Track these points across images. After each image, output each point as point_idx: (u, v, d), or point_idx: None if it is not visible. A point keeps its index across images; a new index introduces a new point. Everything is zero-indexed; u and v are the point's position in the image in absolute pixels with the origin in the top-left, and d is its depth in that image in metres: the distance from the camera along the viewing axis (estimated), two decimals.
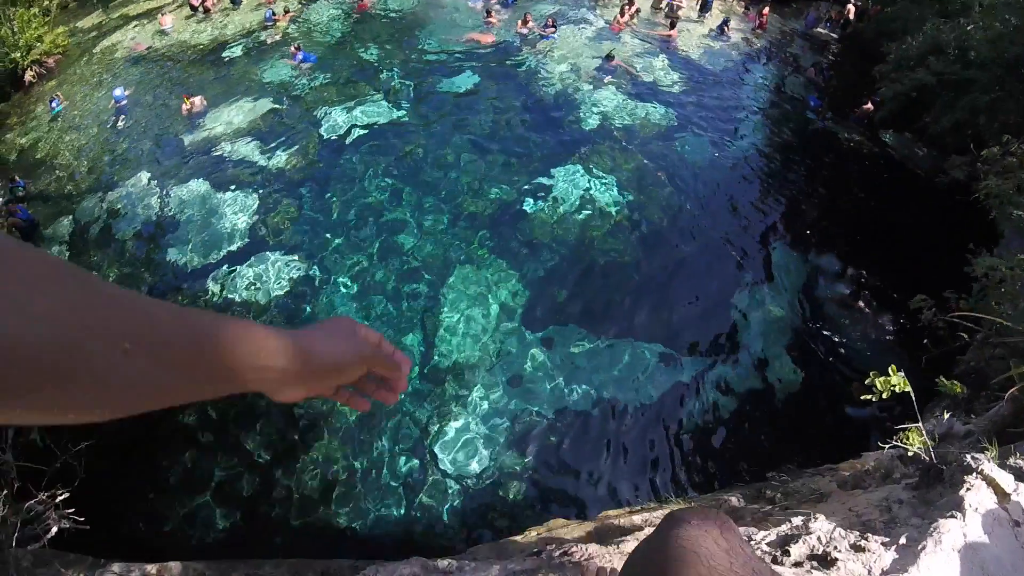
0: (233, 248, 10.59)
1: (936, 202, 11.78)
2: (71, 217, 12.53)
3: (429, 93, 14.37)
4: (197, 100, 14.69)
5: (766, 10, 19.59)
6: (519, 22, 17.33)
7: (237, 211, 11.19)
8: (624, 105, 14.00)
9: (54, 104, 16.90)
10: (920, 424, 3.73)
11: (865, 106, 14.75)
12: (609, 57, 15.41)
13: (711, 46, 17.83)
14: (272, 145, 12.79)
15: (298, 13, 19.31)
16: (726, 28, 18.46)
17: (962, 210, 10.11)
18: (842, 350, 9.15)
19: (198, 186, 11.98)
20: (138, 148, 13.98)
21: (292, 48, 16.09)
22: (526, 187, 11.39)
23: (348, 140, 12.74)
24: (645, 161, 12.24)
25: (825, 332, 9.41)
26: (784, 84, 16.72)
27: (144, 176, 12.82)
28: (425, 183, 11.50)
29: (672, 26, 17.60)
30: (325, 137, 12.89)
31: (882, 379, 3.61)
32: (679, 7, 19.30)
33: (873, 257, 10.79)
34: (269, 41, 17.73)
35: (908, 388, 3.64)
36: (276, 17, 18.67)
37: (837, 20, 20.87)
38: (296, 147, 12.64)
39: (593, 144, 12.62)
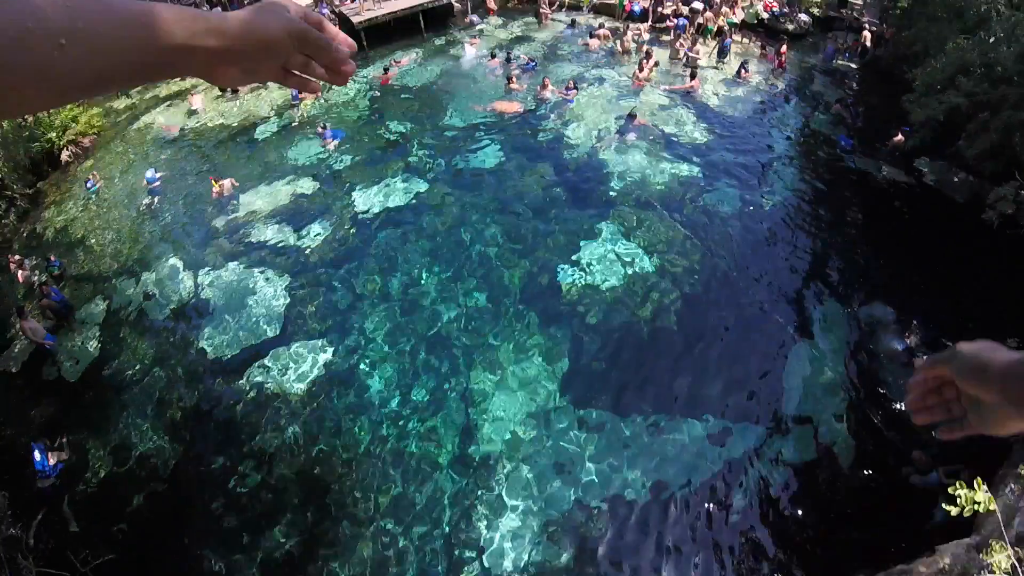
0: (267, 333, 10.64)
1: (986, 240, 11.24)
2: (105, 299, 12.68)
3: (455, 168, 14.59)
4: (227, 183, 14.99)
5: (784, 48, 19.66)
6: (539, 87, 17.54)
7: (269, 295, 11.31)
8: (650, 165, 13.93)
9: (89, 184, 17.48)
10: (1004, 539, 3.58)
11: (896, 138, 14.54)
12: (631, 116, 15.36)
13: (732, 93, 17.86)
14: (303, 226, 13.01)
15: (323, 90, 19.85)
16: (745, 72, 18.50)
17: (1016, 247, 9.89)
18: (898, 410, 8.53)
19: (231, 270, 12.15)
20: (170, 231, 14.25)
21: (319, 128, 16.61)
22: (557, 258, 11.38)
23: (378, 219, 12.91)
24: (675, 223, 12.11)
25: (879, 392, 8.91)
26: (811, 123, 16.63)
27: (176, 260, 13.02)
28: (456, 258, 11.60)
29: (692, 76, 17.55)
30: (355, 216, 13.11)
31: (965, 493, 3.46)
32: (696, 57, 19.28)
33: (924, 304, 10.30)
34: (296, 120, 18.39)
35: (993, 506, 3.49)
36: (301, 96, 19.25)
37: (855, 49, 21.16)
38: (327, 227, 12.85)
39: (621, 209, 12.54)
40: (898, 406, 8.58)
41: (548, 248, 11.61)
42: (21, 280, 13.79)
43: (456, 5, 26.75)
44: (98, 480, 9.03)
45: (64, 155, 20.25)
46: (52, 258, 14.08)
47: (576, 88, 17.30)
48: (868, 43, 20.69)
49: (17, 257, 14.60)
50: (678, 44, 20.15)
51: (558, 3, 26.09)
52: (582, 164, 14.17)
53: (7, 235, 17.22)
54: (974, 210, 11.79)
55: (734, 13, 22.95)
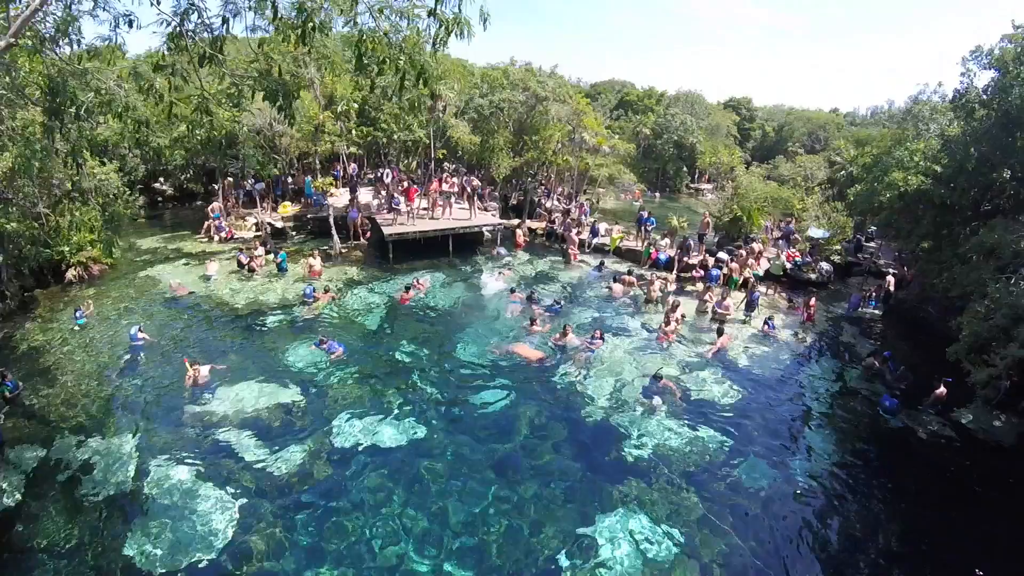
0: (203, 560, 9.09)
1: None
2: (44, 448, 11.59)
3: (459, 409, 13.59)
4: (204, 370, 14.16)
5: (813, 301, 19.95)
6: (558, 334, 17.16)
7: (218, 514, 9.96)
8: (675, 432, 12.88)
9: (78, 314, 17.24)
10: None
11: (937, 391, 14.07)
12: (657, 377, 14.61)
13: (761, 349, 17.60)
14: (276, 444, 11.88)
15: (339, 295, 20.52)
16: (768, 327, 18.48)
17: None
18: None
19: (183, 471, 10.96)
20: (135, 402, 13.32)
21: (320, 340, 16.11)
22: (563, 536, 9.83)
23: (362, 454, 11.69)
24: (701, 500, 10.81)
25: None
26: (844, 379, 16.15)
27: (129, 439, 11.93)
28: (442, 520, 10.06)
29: (720, 333, 17.41)
30: (337, 446, 11.93)
31: None
32: (726, 311, 19.41)
33: None
34: (302, 319, 18.38)
35: None
36: (316, 295, 19.79)
37: (878, 294, 21.73)
38: (303, 451, 11.67)
39: (641, 481, 11.21)
40: None
41: (553, 520, 10.20)
42: None
43: (487, 235, 28.92)
44: None
45: (70, 273, 20.42)
46: (9, 377, 13.32)
47: (603, 338, 17.01)
48: (891, 287, 21.56)
49: None
50: (706, 296, 20.50)
51: (587, 244, 27.96)
52: (599, 425, 13.18)
53: None
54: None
55: (759, 264, 24.00)
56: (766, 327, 18.75)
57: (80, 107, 9.07)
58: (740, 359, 16.90)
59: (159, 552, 9.16)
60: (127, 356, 15.43)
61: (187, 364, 14.17)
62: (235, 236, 27.24)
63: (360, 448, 11.89)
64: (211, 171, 31.53)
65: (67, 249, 20.12)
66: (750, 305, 20.07)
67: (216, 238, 26.88)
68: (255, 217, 29.07)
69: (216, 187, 30.25)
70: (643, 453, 12.16)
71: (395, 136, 29.96)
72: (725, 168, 57.18)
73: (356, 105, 29.46)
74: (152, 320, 17.69)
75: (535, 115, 33.67)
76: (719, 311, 19.70)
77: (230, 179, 30.87)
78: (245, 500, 10.28)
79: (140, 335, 16.00)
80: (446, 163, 34.72)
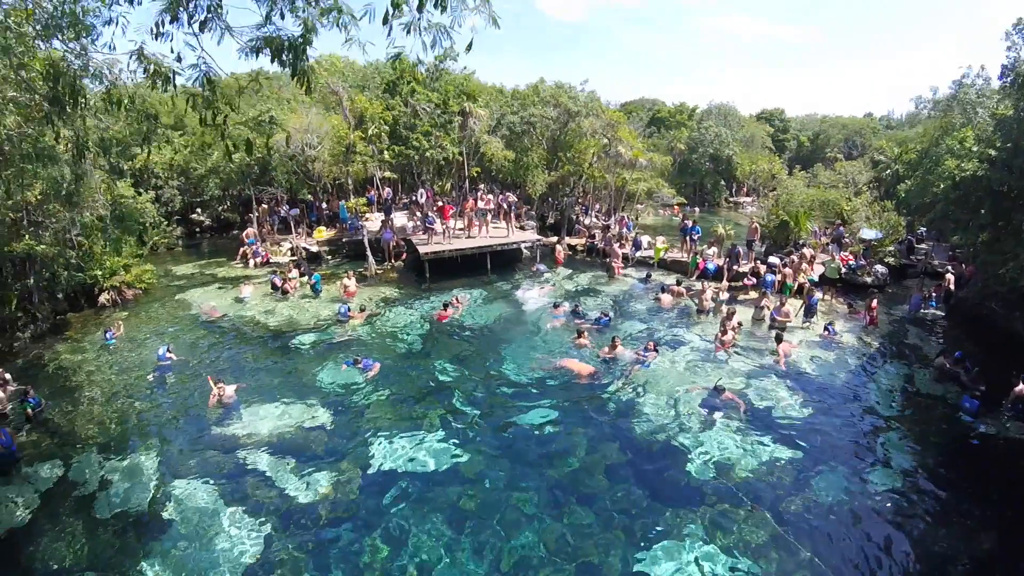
0: None
1: None
2: (62, 466, 10.99)
3: (502, 431, 12.29)
4: (229, 389, 13.43)
5: (875, 303, 18.65)
6: (606, 347, 15.97)
7: (239, 542, 8.98)
8: (740, 447, 11.47)
9: (108, 335, 16.96)
10: None
11: (1016, 388, 12.89)
12: (718, 389, 13.41)
13: (824, 355, 16.21)
14: (305, 467, 10.87)
15: (374, 314, 19.71)
16: (828, 332, 17.31)
17: None
18: None
19: (204, 494, 10.08)
20: (159, 422, 12.67)
21: (354, 359, 15.20)
22: (616, 564, 8.50)
23: (398, 481, 10.45)
24: (771, 520, 9.41)
25: None
26: (915, 382, 14.75)
27: (150, 458, 11.20)
28: (486, 549, 8.83)
29: (779, 341, 16.13)
30: (370, 471, 10.76)
31: None
32: (786, 318, 18.23)
33: None
34: (337, 338, 17.55)
35: None
36: (351, 314, 19.02)
37: (939, 294, 20.34)
38: (332, 477, 10.55)
39: (704, 503, 9.80)
40: None
41: (605, 548, 8.82)
42: None
43: (525, 252, 27.99)
44: None
45: (103, 297, 20.22)
46: (31, 393, 13.05)
47: (656, 350, 15.76)
48: (951, 286, 20.39)
49: (7, 376, 13.89)
50: (762, 303, 19.37)
51: (630, 259, 26.82)
52: (657, 443, 11.72)
53: (15, 349, 16.75)
54: None
55: (812, 270, 22.67)
56: (827, 333, 17.47)
57: (80, 92, 8.48)
58: (803, 367, 15.51)
59: (178, 570, 8.27)
60: (154, 375, 14.85)
61: (211, 383, 13.41)
62: (271, 261, 26.92)
63: (395, 474, 10.68)
64: (247, 201, 31.54)
65: (100, 273, 19.93)
66: (809, 311, 18.79)
67: (252, 263, 26.59)
68: (290, 242, 28.79)
69: (252, 215, 30.18)
70: (706, 472, 10.72)
71: (427, 153, 29.51)
72: (765, 177, 55.59)
73: (387, 127, 29.22)
74: (182, 341, 17.14)
75: (568, 132, 33.12)
76: (778, 319, 18.41)
77: (264, 206, 30.79)
78: (269, 529, 9.24)
79: (168, 355, 15.43)
80: (481, 184, 34.16)
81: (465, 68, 33.65)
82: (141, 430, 12.38)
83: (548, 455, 11.34)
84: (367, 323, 18.87)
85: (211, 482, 10.38)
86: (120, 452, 11.46)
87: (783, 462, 11.08)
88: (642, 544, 8.89)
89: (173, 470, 10.83)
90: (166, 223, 30.47)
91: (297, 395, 13.72)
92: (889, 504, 10.08)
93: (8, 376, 13.79)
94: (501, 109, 33.51)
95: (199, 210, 35.28)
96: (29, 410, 12.64)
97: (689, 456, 11.24)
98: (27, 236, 16.67)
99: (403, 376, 15.02)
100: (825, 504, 9.94)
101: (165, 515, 9.59)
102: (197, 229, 34.95)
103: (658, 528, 9.25)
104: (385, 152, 29.33)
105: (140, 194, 27.40)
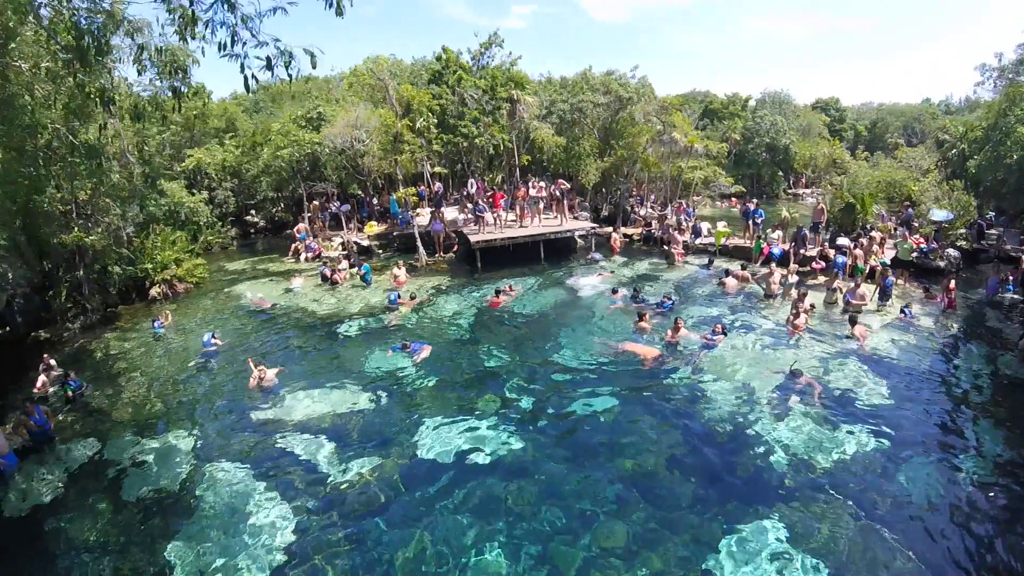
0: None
1: None
2: (96, 448, 10.63)
3: (557, 418, 11.15)
4: (270, 373, 12.86)
5: (952, 285, 17.20)
6: (669, 331, 14.75)
7: (273, 525, 8.15)
8: (821, 436, 10.10)
9: (156, 324, 16.79)
10: None
11: None
12: (794, 374, 12.20)
13: (904, 339, 14.76)
14: (346, 451, 10.00)
15: (425, 301, 18.96)
16: (910, 315, 15.99)
17: None
18: None
19: (238, 476, 9.39)
20: (197, 404, 12.29)
21: (403, 344, 14.43)
22: (687, 563, 7.31)
23: (445, 468, 9.43)
24: (861, 515, 8.03)
25: None
26: (999, 365, 13.22)
27: (185, 439, 10.73)
28: (545, 546, 7.62)
29: (853, 323, 14.89)
30: (416, 457, 9.76)
31: None
32: (861, 301, 16.85)
33: None
34: (387, 324, 16.87)
35: None
36: (401, 301, 18.36)
37: (1016, 278, 18.85)
38: (374, 465, 9.57)
39: (782, 497, 8.53)
40: None
41: (673, 546, 7.55)
42: (38, 385, 12.88)
43: (579, 242, 26.85)
44: None
45: (154, 291, 20.11)
46: (72, 376, 12.87)
47: (724, 332, 14.55)
48: None
49: (52, 361, 13.71)
50: (835, 285, 17.96)
51: (689, 247, 25.45)
52: (727, 432, 10.37)
53: (64, 338, 16.78)
54: None
55: (883, 252, 21.55)
56: (903, 315, 16.01)
57: (106, 40, 8.03)
58: (882, 350, 13.98)
59: (201, 563, 7.49)
60: (198, 361, 14.45)
61: (251, 365, 12.84)
62: (322, 255, 26.62)
63: (441, 463, 9.60)
64: (300, 200, 31.51)
65: (151, 267, 19.84)
66: (884, 294, 17.34)
67: (304, 257, 26.31)
68: (341, 237, 28.49)
69: (304, 213, 30.09)
70: (783, 464, 9.34)
71: (476, 140, 28.80)
72: (825, 164, 52.62)
73: (434, 119, 28.67)
74: (229, 328, 16.81)
75: (620, 120, 31.98)
76: (853, 301, 16.91)
77: (316, 203, 30.65)
78: (303, 515, 8.40)
79: (213, 341, 15.06)
80: (531, 176, 33.28)
81: (511, 53, 32.67)
82: (178, 413, 11.93)
83: (608, 445, 10.07)
84: (417, 310, 18.10)
85: (246, 465, 9.68)
86: (155, 434, 11.03)
87: (868, 451, 9.65)
88: (707, 543, 7.60)
89: (207, 452, 10.23)
90: (220, 224, 30.69)
91: (341, 379, 12.96)
92: (989, 496, 8.59)
93: (53, 362, 13.70)
94: (551, 97, 32.61)
95: (253, 212, 35.53)
96: (69, 392, 12.45)
97: (764, 446, 9.87)
98: (76, 229, 16.61)
99: (453, 362, 14.09)
100: (918, 497, 8.53)
101: (195, 497, 8.95)
102: (252, 230, 35.16)
103: (726, 525, 7.92)
104: (433, 143, 28.73)
105: (193, 194, 27.77)
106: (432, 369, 13.46)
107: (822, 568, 7.07)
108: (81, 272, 17.29)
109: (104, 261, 17.94)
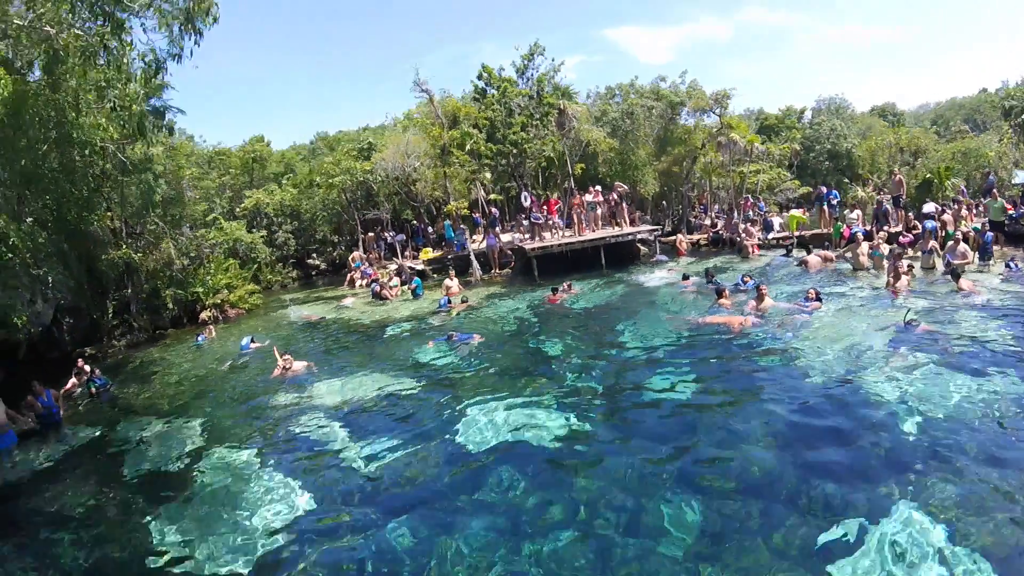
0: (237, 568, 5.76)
1: None
2: (103, 429, 10.29)
3: (625, 399, 9.11)
4: (298, 365, 11.90)
5: None
6: (752, 301, 12.96)
7: (277, 508, 6.71)
8: (952, 393, 7.63)
9: (200, 339, 16.55)
10: None
11: None
12: (911, 324, 10.34)
13: (1014, 289, 12.95)
14: (371, 437, 8.38)
15: (478, 304, 17.73)
16: (1017, 268, 14.43)
17: None
18: None
19: (244, 455, 8.23)
20: (218, 392, 11.72)
21: (449, 335, 13.22)
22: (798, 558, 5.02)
23: (486, 458, 7.42)
24: (1009, 486, 5.56)
25: None
26: None
27: (197, 419, 9.97)
28: (613, 551, 5.38)
29: (956, 277, 13.16)
30: (454, 444, 7.86)
31: None
32: (964, 259, 15.09)
33: None
34: (434, 324, 15.71)
35: None
36: (452, 305, 17.26)
37: None
38: (405, 451, 7.82)
39: (911, 468, 6.04)
40: None
41: (777, 543, 5.19)
42: (68, 386, 12.98)
43: (642, 248, 25.18)
44: None
45: (204, 314, 19.80)
46: (98, 374, 12.79)
47: (819, 299, 12.62)
48: None
49: (86, 367, 13.45)
50: (930, 246, 16.32)
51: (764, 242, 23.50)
52: (833, 398, 8.00)
53: (108, 352, 16.72)
54: None
55: (972, 219, 20.18)
56: (1008, 269, 14.54)
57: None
58: (995, 301, 11.93)
59: (191, 539, 6.30)
60: (233, 362, 13.80)
61: (276, 354, 11.90)
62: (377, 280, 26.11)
63: (484, 451, 7.62)
64: (356, 235, 31.48)
65: (202, 290, 19.63)
66: (984, 252, 16.00)
67: (360, 284, 25.75)
68: (396, 263, 27.99)
69: (359, 239, 29.98)
70: (909, 426, 6.90)
71: (526, 147, 28.01)
72: (891, 152, 48.50)
73: (482, 134, 28.18)
74: (272, 334, 16.25)
75: (674, 127, 30.86)
76: (955, 261, 14.93)
77: (371, 234, 30.46)
78: (314, 503, 6.78)
79: (251, 344, 14.48)
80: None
81: (554, 60, 31.64)
82: (196, 401, 11.35)
83: (685, 426, 7.83)
84: (468, 312, 16.80)
85: (258, 451, 8.42)
86: (166, 417, 10.34)
87: (1008, 402, 7.23)
88: (817, 539, 5.16)
89: (218, 435, 9.22)
90: (281, 265, 30.93)
91: (374, 367, 11.77)
92: None
93: (87, 367, 13.36)
94: (600, 107, 31.79)
95: (314, 255, 35.83)
96: (93, 388, 12.32)
97: (883, 408, 7.51)
98: (124, 246, 16.55)
99: (505, 351, 12.44)
100: None
101: (195, 477, 7.85)
102: (313, 272, 35.32)
103: (850, 511, 5.47)
104: (483, 155, 28.11)
105: (251, 232, 28.11)
106: (481, 357, 11.85)
107: (975, 559, 4.69)
108: (129, 290, 17.17)
109: (154, 283, 17.81)
